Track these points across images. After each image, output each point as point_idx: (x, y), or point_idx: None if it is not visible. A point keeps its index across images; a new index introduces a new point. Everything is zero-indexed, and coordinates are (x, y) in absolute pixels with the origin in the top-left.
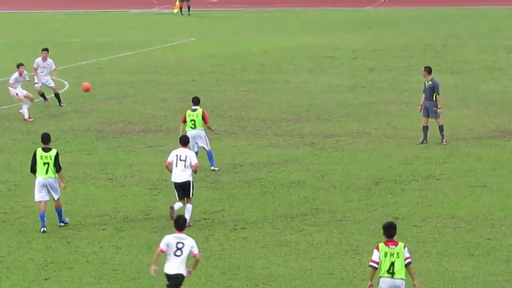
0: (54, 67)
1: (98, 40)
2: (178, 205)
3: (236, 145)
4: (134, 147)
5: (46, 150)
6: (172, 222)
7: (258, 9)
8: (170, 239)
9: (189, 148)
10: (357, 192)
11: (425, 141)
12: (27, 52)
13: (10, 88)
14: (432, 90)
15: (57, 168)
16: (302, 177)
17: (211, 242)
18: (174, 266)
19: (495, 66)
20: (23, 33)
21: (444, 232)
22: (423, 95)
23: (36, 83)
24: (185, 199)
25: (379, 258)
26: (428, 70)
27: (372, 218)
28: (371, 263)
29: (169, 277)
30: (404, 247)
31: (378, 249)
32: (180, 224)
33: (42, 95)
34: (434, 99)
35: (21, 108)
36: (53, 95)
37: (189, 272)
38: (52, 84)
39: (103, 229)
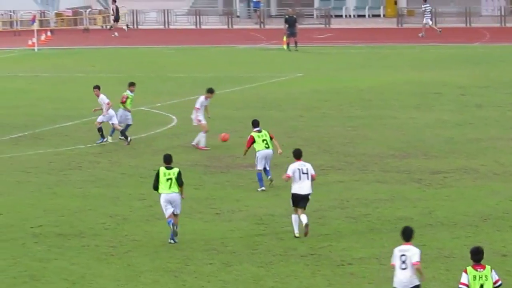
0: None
1: (206, 75)
2: (294, 218)
3: (343, 181)
4: (242, 182)
5: (169, 168)
6: (278, 257)
7: (365, 45)
8: (395, 251)
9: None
10: (464, 229)
11: None
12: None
13: (194, 113)
14: None
15: (180, 183)
16: (409, 213)
17: (317, 277)
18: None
19: None
20: (132, 68)
21: None
22: None
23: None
24: (300, 208)
25: (468, 281)
26: None
27: None
28: (461, 286)
29: None
30: (491, 270)
31: (466, 272)
32: (406, 234)
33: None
34: None
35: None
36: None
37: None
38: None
39: (211, 264)
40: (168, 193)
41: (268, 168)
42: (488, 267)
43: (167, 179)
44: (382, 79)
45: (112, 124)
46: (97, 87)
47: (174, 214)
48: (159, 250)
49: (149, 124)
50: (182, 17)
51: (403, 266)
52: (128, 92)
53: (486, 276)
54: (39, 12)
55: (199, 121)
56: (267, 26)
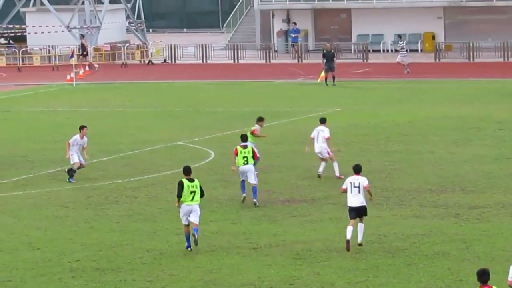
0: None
1: (243, 110)
2: (349, 229)
3: (381, 216)
4: (279, 217)
5: (191, 180)
6: None
7: (402, 79)
8: None
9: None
10: (502, 264)
11: None
12: (174, 122)
13: (322, 145)
14: None
15: (202, 194)
16: (446, 248)
17: None
18: None
19: None
20: (170, 103)
21: None
22: None
23: None
24: (358, 218)
25: None
26: None
27: None
28: None
29: None
30: None
31: None
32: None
33: None
34: None
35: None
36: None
37: None
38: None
39: None
40: (190, 204)
41: (254, 182)
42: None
43: (191, 192)
44: (420, 114)
45: None
46: None
47: (190, 223)
48: (196, 285)
49: (186, 159)
50: (220, 51)
51: None
52: (256, 126)
53: None
54: (78, 47)
55: (329, 153)
56: (305, 61)
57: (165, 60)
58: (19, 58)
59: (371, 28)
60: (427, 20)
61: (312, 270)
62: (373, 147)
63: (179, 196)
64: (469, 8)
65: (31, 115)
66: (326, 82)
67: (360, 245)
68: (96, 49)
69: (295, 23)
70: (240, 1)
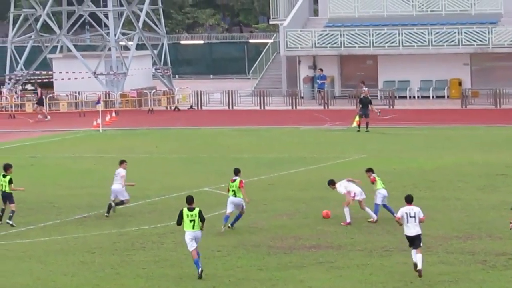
0: None
1: (269, 156)
2: (414, 252)
3: (407, 262)
4: (305, 263)
5: (191, 209)
6: None
7: (429, 126)
8: None
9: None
10: None
11: None
12: (200, 168)
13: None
14: None
15: (201, 219)
16: None
17: None
18: None
19: None
20: (196, 149)
21: None
22: None
23: None
24: (415, 249)
25: None
26: None
27: None
28: None
29: None
30: None
31: None
32: None
33: None
34: None
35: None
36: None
37: None
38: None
39: None
40: (192, 231)
41: (240, 215)
42: None
43: (190, 220)
44: (446, 160)
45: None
46: None
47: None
48: None
49: (212, 205)
50: (246, 98)
51: None
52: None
53: None
54: (104, 93)
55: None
56: (331, 107)
57: (191, 106)
58: (46, 104)
59: (397, 74)
60: (454, 66)
61: None
62: (399, 193)
63: (179, 224)
64: (496, 54)
65: (57, 161)
66: (359, 128)
67: (420, 272)
68: (122, 95)
69: (321, 69)
70: (266, 47)
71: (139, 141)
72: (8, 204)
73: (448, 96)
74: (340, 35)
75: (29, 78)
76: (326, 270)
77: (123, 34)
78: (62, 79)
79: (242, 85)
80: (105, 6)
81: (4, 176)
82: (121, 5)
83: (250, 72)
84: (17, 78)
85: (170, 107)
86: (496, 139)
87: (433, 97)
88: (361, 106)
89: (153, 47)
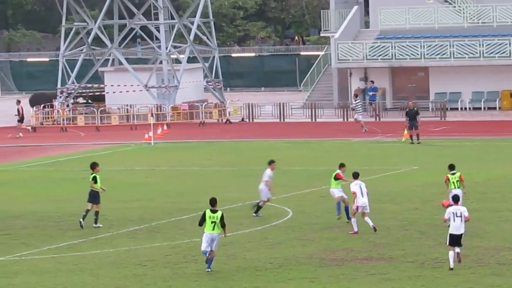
0: None
1: (320, 168)
2: (451, 254)
3: (459, 274)
4: (357, 275)
5: (214, 211)
6: None
7: (480, 137)
8: None
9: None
10: None
11: None
12: (252, 180)
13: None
14: None
15: (222, 224)
16: None
17: None
18: None
19: None
20: (247, 161)
21: None
22: None
23: None
24: (457, 247)
25: None
26: None
27: None
28: None
29: None
30: None
31: None
32: None
33: None
34: None
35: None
36: None
37: None
38: None
39: None
40: (211, 233)
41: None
42: None
43: (212, 222)
44: (498, 172)
45: None
46: None
47: (211, 249)
48: None
49: (264, 217)
50: (297, 110)
51: None
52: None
53: None
54: (156, 106)
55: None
56: (382, 119)
57: (242, 119)
58: (97, 117)
59: (448, 86)
60: (505, 78)
61: None
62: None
63: (200, 224)
64: None
65: (109, 174)
66: (411, 139)
67: (458, 254)
68: (174, 108)
69: (372, 81)
70: (318, 59)
71: (190, 154)
72: (94, 205)
73: (499, 108)
74: (391, 47)
75: (80, 91)
76: (377, 282)
77: (175, 47)
78: (114, 92)
79: (293, 98)
80: (156, 19)
81: (91, 174)
82: (172, 18)
83: (301, 84)
84: (69, 91)
85: (222, 120)
86: None
87: (484, 108)
88: (408, 118)
89: (205, 60)
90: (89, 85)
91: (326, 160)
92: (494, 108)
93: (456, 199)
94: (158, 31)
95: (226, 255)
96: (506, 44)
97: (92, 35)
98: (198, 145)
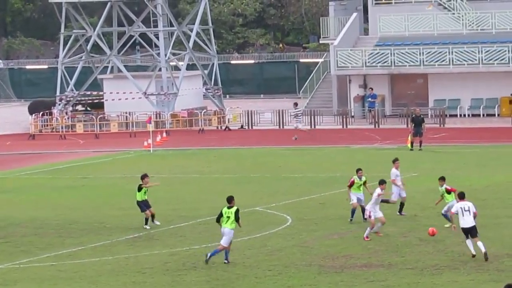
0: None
1: (320, 175)
2: (469, 242)
3: (458, 281)
4: (356, 282)
5: (230, 207)
6: None
7: (479, 144)
8: None
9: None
10: None
11: None
12: (251, 187)
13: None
14: None
15: (236, 218)
16: None
17: None
18: None
19: None
20: (247, 168)
21: None
22: None
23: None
24: (472, 238)
25: None
26: None
27: None
28: None
29: None
30: None
31: None
32: None
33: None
34: None
35: None
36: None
37: None
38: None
39: None
40: (224, 226)
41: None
42: None
43: (227, 217)
44: (497, 179)
45: None
46: None
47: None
48: None
49: (264, 224)
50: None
51: None
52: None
53: None
54: (155, 113)
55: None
56: (381, 126)
57: (242, 126)
58: (96, 124)
59: (448, 92)
60: (504, 84)
61: None
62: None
63: (217, 221)
64: None
65: (108, 181)
66: (411, 146)
67: (485, 255)
68: (173, 115)
69: (371, 88)
70: (317, 67)
71: (190, 161)
72: (147, 210)
73: (498, 114)
74: (391, 54)
75: (79, 99)
76: None
77: (174, 54)
78: (113, 99)
79: (292, 105)
80: (155, 26)
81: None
82: (171, 25)
83: (301, 91)
84: (68, 99)
85: (221, 127)
86: None
87: (483, 115)
88: (413, 125)
89: (204, 67)
90: (88, 93)
91: (326, 167)
92: (493, 115)
93: (462, 195)
94: (157, 38)
95: (226, 262)
96: (505, 50)
97: (91, 42)
98: (198, 152)
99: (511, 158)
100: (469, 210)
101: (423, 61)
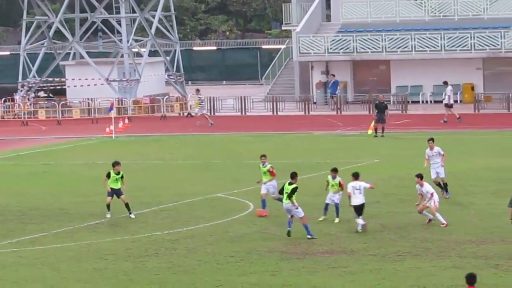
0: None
1: (282, 161)
2: (360, 221)
3: (420, 267)
4: (318, 268)
5: (290, 184)
6: None
7: (442, 130)
8: None
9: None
10: None
11: None
12: (213, 174)
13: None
14: None
15: (289, 195)
16: None
17: None
18: None
19: None
20: (209, 155)
21: None
22: None
23: None
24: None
25: None
26: None
27: None
28: None
29: None
30: None
31: None
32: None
33: None
34: None
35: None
36: None
37: None
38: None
39: None
40: (284, 203)
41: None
42: None
43: (285, 192)
44: (460, 165)
45: None
46: None
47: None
48: None
49: (225, 211)
50: (259, 103)
51: None
52: None
53: None
54: (117, 99)
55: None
56: (344, 112)
57: (189, 114)
58: (58, 111)
59: (410, 79)
60: (466, 71)
61: None
62: (412, 198)
63: (280, 193)
64: (509, 59)
65: (70, 168)
66: (376, 133)
67: (364, 226)
68: (135, 102)
69: (333, 75)
70: (279, 53)
71: (152, 148)
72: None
73: (461, 101)
74: (353, 40)
75: (41, 85)
76: (339, 275)
77: (136, 40)
78: (75, 86)
79: (254, 91)
80: (118, 13)
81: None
82: (134, 11)
83: (263, 78)
84: (30, 85)
85: (183, 114)
86: (509, 144)
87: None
88: (377, 111)
89: (166, 54)
90: (50, 79)
91: (288, 153)
92: (456, 101)
93: (356, 175)
94: (120, 24)
95: (187, 248)
96: (467, 37)
97: (53, 28)
98: (160, 139)
99: (474, 144)
100: (359, 189)
101: (385, 48)
